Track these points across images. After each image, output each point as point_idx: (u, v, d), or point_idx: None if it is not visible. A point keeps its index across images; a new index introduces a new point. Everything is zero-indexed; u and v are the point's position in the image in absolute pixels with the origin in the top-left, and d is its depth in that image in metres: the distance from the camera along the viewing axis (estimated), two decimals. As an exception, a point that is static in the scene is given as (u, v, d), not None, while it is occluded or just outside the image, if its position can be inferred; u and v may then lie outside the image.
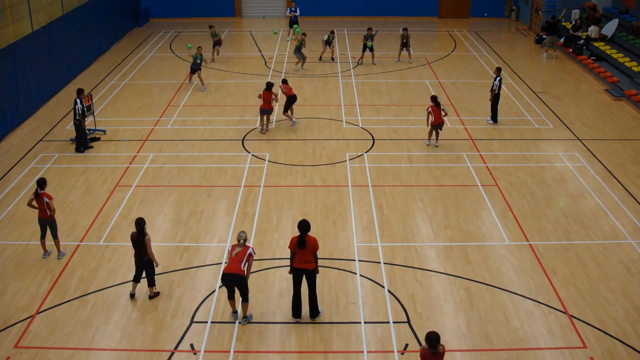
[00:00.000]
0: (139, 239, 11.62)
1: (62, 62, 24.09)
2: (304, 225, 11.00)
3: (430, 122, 18.23)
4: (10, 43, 20.28)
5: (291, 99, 20.12)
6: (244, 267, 10.94)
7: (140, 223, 11.61)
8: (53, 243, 13.31)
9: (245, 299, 11.21)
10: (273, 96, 19.28)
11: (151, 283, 11.97)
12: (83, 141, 18.41)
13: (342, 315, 11.56)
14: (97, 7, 27.98)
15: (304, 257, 11.01)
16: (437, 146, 18.46)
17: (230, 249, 11.14)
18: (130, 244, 12.01)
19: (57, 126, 20.34)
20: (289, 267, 11.52)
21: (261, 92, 19.34)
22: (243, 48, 30.14)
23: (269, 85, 19.32)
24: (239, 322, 11.29)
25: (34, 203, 13.01)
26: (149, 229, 14.05)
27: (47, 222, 13.07)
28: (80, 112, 17.92)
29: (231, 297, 11.28)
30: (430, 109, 18.18)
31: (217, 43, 27.23)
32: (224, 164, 17.54)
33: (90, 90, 23.37)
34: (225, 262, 11.23)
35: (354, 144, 18.81)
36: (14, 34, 20.59)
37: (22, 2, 21.20)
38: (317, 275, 11.35)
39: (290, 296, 11.57)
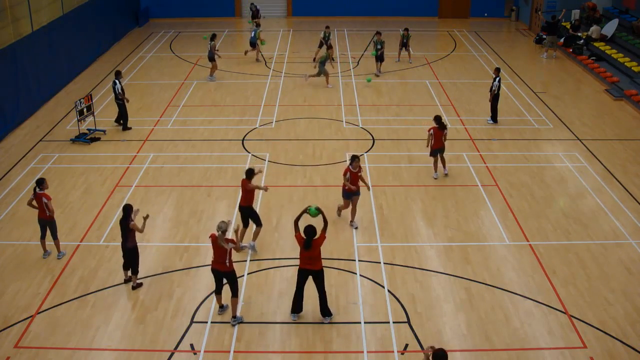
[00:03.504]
0: (124, 223, 11.91)
1: (62, 62, 24.08)
2: (310, 230, 10.89)
3: (430, 145, 16.28)
4: (10, 43, 20.28)
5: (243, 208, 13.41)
6: (229, 263, 10.96)
7: (126, 209, 11.94)
8: (53, 243, 13.31)
9: (234, 294, 11.19)
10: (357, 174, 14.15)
11: (135, 271, 12.26)
12: (125, 120, 19.78)
13: (342, 315, 11.55)
14: (97, 7, 27.97)
15: (310, 257, 10.99)
16: (446, 174, 16.58)
17: (211, 239, 10.97)
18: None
19: (57, 126, 20.35)
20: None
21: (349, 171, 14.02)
22: (243, 48, 30.11)
23: (354, 158, 13.97)
24: (230, 323, 11.25)
25: (34, 202, 13.01)
26: (149, 229, 14.11)
27: (47, 223, 13.06)
28: (120, 91, 19.36)
29: (218, 292, 11.34)
30: (432, 130, 16.12)
31: (253, 44, 26.89)
32: (224, 164, 17.54)
33: (91, 90, 23.39)
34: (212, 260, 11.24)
35: (354, 144, 18.80)
36: (14, 34, 20.60)
37: (22, 2, 21.21)
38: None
39: (290, 296, 11.56)
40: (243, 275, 12.60)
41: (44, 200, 12.85)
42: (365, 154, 18.03)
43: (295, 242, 12.38)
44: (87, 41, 26.97)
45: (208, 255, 13.28)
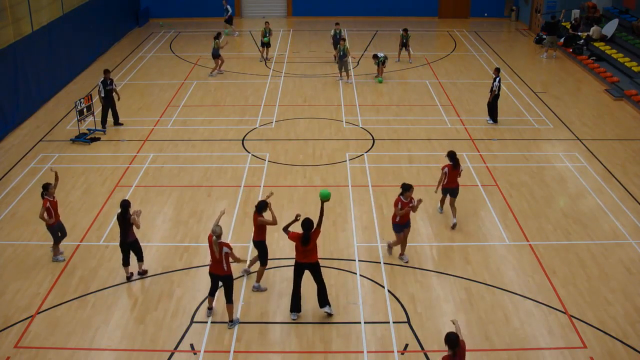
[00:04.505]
0: (123, 218, 11.99)
1: (62, 62, 24.08)
2: (308, 224, 10.96)
3: (442, 184, 14.32)
4: (10, 43, 20.29)
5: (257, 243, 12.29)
6: (226, 267, 10.95)
7: (124, 205, 11.99)
8: (68, 244, 13.24)
9: (229, 300, 11.14)
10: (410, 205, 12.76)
11: (140, 258, 12.48)
12: (104, 119, 19.83)
13: (342, 315, 11.55)
14: (97, 7, 27.98)
15: (306, 250, 11.00)
16: (454, 224, 14.37)
17: (209, 240, 10.95)
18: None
19: (57, 126, 20.35)
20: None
21: (401, 199, 12.70)
22: (243, 48, 30.15)
23: (408, 187, 12.70)
24: (227, 327, 11.23)
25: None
26: (149, 229, 14.14)
27: (46, 227, 13.00)
28: (101, 88, 19.42)
29: (212, 294, 11.36)
30: (446, 168, 14.17)
31: (266, 44, 26.95)
32: (224, 164, 17.54)
33: (91, 90, 23.38)
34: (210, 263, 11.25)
35: (354, 144, 18.81)
36: (14, 34, 20.60)
37: (22, 2, 21.21)
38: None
39: (290, 295, 11.56)
40: (243, 276, 12.61)
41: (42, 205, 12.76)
42: (365, 154, 18.03)
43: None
44: (87, 41, 26.97)
45: (208, 255, 13.27)
